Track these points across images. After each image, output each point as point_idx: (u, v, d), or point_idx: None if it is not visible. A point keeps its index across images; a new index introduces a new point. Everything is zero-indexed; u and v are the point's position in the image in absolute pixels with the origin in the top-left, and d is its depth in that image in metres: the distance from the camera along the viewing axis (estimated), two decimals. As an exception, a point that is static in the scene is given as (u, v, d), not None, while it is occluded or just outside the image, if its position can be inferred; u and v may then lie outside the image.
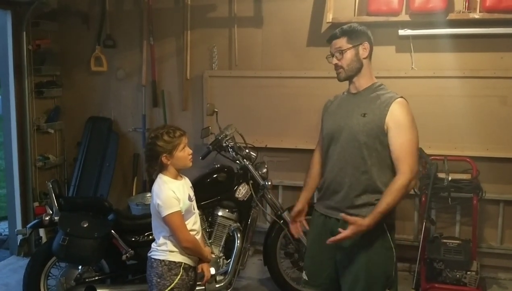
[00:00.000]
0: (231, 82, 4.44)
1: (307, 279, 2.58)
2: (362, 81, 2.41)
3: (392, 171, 2.32)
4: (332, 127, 2.46)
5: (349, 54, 2.37)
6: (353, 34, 2.38)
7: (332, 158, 2.44)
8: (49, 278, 3.33)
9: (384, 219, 2.28)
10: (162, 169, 2.43)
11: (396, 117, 2.28)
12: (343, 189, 2.38)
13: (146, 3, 4.51)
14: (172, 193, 2.37)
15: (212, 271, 3.01)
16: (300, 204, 2.67)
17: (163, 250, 2.44)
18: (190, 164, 2.48)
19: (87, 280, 3.26)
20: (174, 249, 2.44)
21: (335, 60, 2.41)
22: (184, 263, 2.45)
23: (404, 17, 3.86)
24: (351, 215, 2.31)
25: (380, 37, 3.99)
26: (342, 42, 2.38)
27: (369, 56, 2.41)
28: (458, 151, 3.92)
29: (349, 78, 2.43)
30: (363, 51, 2.38)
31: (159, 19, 4.55)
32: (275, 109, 4.34)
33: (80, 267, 3.26)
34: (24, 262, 4.02)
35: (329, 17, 3.96)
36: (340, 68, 2.41)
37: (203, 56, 4.51)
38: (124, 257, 3.22)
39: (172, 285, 2.41)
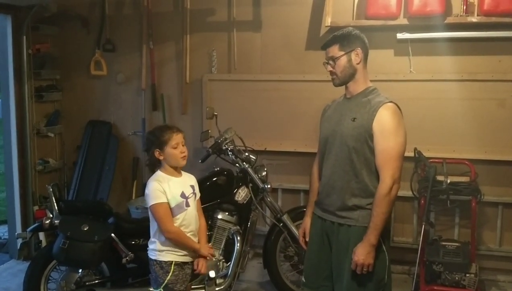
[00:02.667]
0: (230, 85, 4.45)
1: (304, 281, 2.61)
2: (356, 86, 2.44)
3: None
4: (326, 132, 2.50)
5: (341, 62, 2.40)
6: (345, 40, 2.39)
7: (327, 162, 2.49)
8: (49, 281, 3.34)
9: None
10: (158, 164, 2.57)
11: (381, 123, 2.30)
12: (335, 192, 2.43)
13: (145, 7, 4.52)
14: (158, 185, 2.49)
15: (212, 274, 3.04)
16: (306, 223, 2.70)
17: (153, 249, 2.59)
18: (182, 163, 2.58)
19: (87, 283, 3.27)
20: (162, 248, 2.56)
21: (329, 68, 2.44)
22: (175, 261, 2.55)
23: (402, 20, 3.87)
24: (342, 217, 2.39)
25: (378, 41, 4.02)
26: (334, 50, 2.41)
27: (363, 61, 2.42)
28: (456, 153, 3.94)
29: (344, 84, 2.46)
30: (355, 57, 2.39)
31: (158, 23, 4.57)
32: (274, 112, 4.35)
33: (80, 271, 3.27)
34: (24, 265, 4.03)
35: (328, 21, 3.97)
36: (334, 75, 2.44)
37: (202, 60, 4.53)
38: (124, 260, 3.22)
39: (165, 283, 2.54)
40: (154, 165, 2.59)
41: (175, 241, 2.54)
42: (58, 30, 4.79)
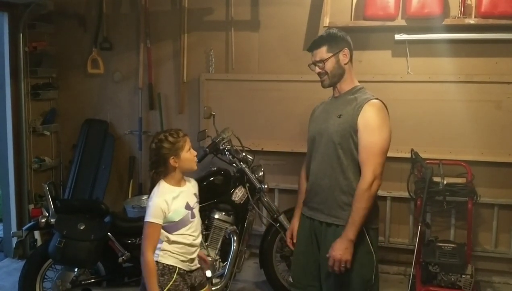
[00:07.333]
0: (228, 85, 4.45)
1: (292, 281, 2.61)
2: (344, 86, 2.47)
3: None
4: (314, 131, 2.52)
5: (330, 63, 2.41)
6: (332, 41, 2.41)
7: (314, 160, 2.49)
8: (44, 280, 3.33)
9: (364, 223, 2.31)
10: (167, 174, 2.40)
11: (365, 119, 2.31)
12: (323, 191, 2.43)
13: (143, 5, 4.51)
14: (165, 204, 2.32)
15: (209, 273, 3.02)
16: (293, 224, 2.71)
17: (157, 248, 2.37)
18: (196, 167, 2.46)
19: (83, 282, 3.27)
20: (167, 248, 2.38)
21: (317, 69, 2.45)
22: (179, 268, 2.40)
23: (400, 22, 3.88)
24: (331, 216, 2.39)
25: (376, 42, 4.03)
26: (322, 53, 2.42)
27: (350, 61, 2.46)
28: (453, 155, 3.95)
29: (333, 85, 2.49)
30: (343, 57, 2.42)
31: (156, 22, 4.56)
32: (272, 112, 4.35)
33: (76, 270, 3.26)
34: (18, 264, 4.02)
35: (326, 21, 3.96)
36: (324, 76, 2.45)
37: (200, 59, 4.52)
38: (120, 259, 3.23)
39: (166, 289, 2.36)
40: (164, 176, 2.40)
41: (144, 270, 2.32)
42: (55, 28, 4.77)
